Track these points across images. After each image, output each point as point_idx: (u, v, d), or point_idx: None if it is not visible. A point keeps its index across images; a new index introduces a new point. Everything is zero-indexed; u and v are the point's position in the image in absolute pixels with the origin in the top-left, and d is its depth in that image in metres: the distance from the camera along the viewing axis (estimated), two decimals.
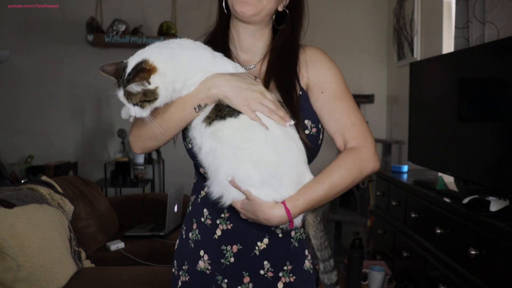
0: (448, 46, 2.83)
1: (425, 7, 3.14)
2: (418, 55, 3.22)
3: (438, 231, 1.91)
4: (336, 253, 3.80)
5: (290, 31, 1.10)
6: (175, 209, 2.86)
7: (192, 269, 1.10)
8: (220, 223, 1.06)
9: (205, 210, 1.09)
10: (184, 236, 1.14)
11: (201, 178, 1.10)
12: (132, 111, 0.95)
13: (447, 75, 2.24)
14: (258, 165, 0.95)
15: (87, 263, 2.20)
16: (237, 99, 0.96)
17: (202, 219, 1.09)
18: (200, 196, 1.12)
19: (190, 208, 1.15)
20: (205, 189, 1.06)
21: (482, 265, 1.60)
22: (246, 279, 1.05)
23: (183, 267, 1.12)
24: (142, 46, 1.00)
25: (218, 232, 1.07)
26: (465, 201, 1.75)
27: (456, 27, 2.35)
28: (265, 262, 1.05)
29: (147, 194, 3.28)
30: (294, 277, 1.06)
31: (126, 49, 3.80)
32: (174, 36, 3.62)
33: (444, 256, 1.88)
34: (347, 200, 3.84)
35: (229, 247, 1.06)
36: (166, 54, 0.96)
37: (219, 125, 0.97)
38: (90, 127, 3.95)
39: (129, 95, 0.94)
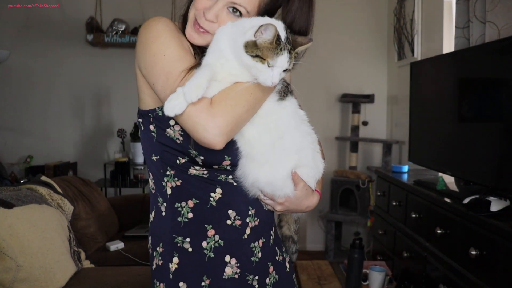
0: (448, 46, 2.83)
1: (426, 6, 3.14)
2: (418, 55, 3.22)
3: (439, 231, 1.91)
4: (336, 253, 3.79)
5: None
6: None
7: (216, 282, 1.00)
8: (250, 221, 1.04)
9: (230, 211, 1.01)
10: (191, 250, 1.00)
11: (198, 180, 1.00)
12: (279, 77, 0.90)
13: (448, 75, 2.23)
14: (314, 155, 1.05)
15: (87, 264, 2.20)
16: None
17: (229, 222, 1.01)
18: (212, 199, 1.01)
19: (189, 215, 1.00)
20: (252, 188, 1.01)
21: (482, 265, 1.60)
22: (271, 269, 1.09)
23: (202, 284, 1.00)
24: None
25: (248, 231, 1.03)
26: (466, 201, 1.74)
27: (456, 27, 2.34)
28: (276, 248, 1.11)
29: (146, 194, 3.27)
30: (286, 253, 1.17)
31: (126, 49, 3.81)
32: None
33: (445, 256, 1.88)
34: (347, 200, 3.84)
35: (256, 243, 1.05)
36: None
37: (292, 106, 1.02)
38: (90, 127, 3.95)
39: (292, 58, 0.90)
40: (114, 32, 3.59)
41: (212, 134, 0.87)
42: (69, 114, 3.92)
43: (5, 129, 3.83)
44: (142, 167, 3.75)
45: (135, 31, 3.65)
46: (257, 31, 0.87)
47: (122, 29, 3.60)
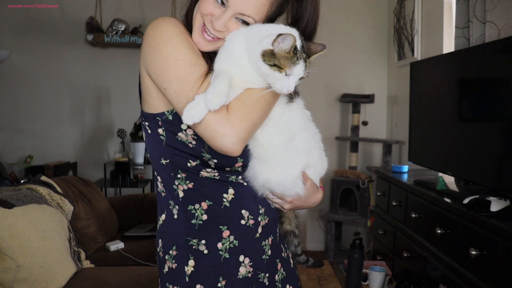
0: (448, 45, 2.83)
1: (426, 6, 3.14)
2: (418, 55, 3.22)
3: (439, 231, 1.91)
4: (336, 253, 3.79)
5: None
6: None
7: (231, 282, 1.01)
8: (261, 219, 1.05)
9: (243, 211, 1.02)
10: (206, 252, 1.00)
11: (210, 182, 1.00)
12: (294, 85, 0.91)
13: (448, 75, 2.23)
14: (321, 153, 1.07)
15: (87, 263, 2.20)
16: None
17: (243, 222, 1.02)
18: (225, 200, 1.01)
19: (203, 217, 1.00)
20: (262, 189, 1.02)
21: (482, 265, 1.60)
22: (279, 266, 1.10)
23: (218, 285, 1.00)
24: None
25: (260, 230, 1.04)
26: (466, 201, 1.74)
27: (456, 27, 2.34)
28: (281, 245, 1.13)
29: (146, 194, 3.27)
30: (288, 249, 1.19)
31: (125, 49, 3.81)
32: None
33: (445, 256, 1.88)
34: (347, 200, 3.84)
35: (266, 241, 1.06)
36: None
37: (300, 107, 1.04)
38: (90, 127, 3.95)
39: (307, 67, 0.92)
40: (114, 32, 3.59)
41: (231, 143, 0.88)
42: (69, 114, 3.92)
43: (5, 129, 3.83)
44: (142, 167, 3.75)
45: (135, 31, 3.65)
46: (274, 40, 0.87)
47: (122, 29, 3.60)
